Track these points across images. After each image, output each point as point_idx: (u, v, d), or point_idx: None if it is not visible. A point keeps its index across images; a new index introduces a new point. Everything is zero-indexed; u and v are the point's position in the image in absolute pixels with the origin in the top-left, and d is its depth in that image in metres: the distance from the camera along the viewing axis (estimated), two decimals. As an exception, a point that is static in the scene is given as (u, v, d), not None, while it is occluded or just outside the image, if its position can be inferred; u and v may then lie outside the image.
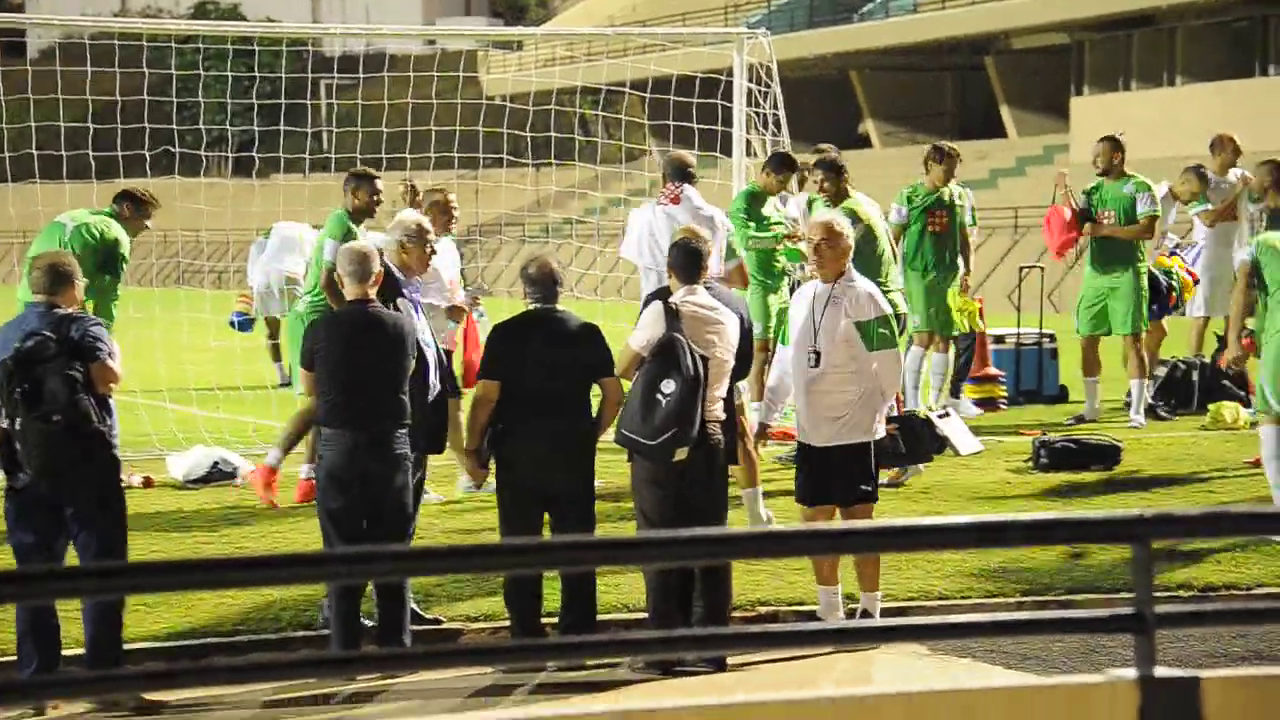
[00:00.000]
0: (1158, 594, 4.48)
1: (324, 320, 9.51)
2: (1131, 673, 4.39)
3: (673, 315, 9.17)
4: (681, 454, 9.08)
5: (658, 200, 12.31)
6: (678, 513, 9.11)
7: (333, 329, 9.33)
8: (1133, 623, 4.35)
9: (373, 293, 9.28)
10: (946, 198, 14.92)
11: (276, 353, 19.87)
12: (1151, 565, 4.51)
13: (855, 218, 13.01)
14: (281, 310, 19.58)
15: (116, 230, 12.68)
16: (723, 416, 9.38)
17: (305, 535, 11.16)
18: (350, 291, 9.31)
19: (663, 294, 9.80)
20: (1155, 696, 4.28)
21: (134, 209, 12.88)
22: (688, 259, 9.42)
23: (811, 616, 9.62)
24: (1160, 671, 4.37)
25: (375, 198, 12.42)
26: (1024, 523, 4.72)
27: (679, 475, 9.16)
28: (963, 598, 10.00)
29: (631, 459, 9.34)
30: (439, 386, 9.71)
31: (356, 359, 9.17)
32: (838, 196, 13.37)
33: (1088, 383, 15.46)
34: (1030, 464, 13.44)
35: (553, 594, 9.55)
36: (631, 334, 9.40)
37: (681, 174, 12.27)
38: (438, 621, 9.75)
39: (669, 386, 9.02)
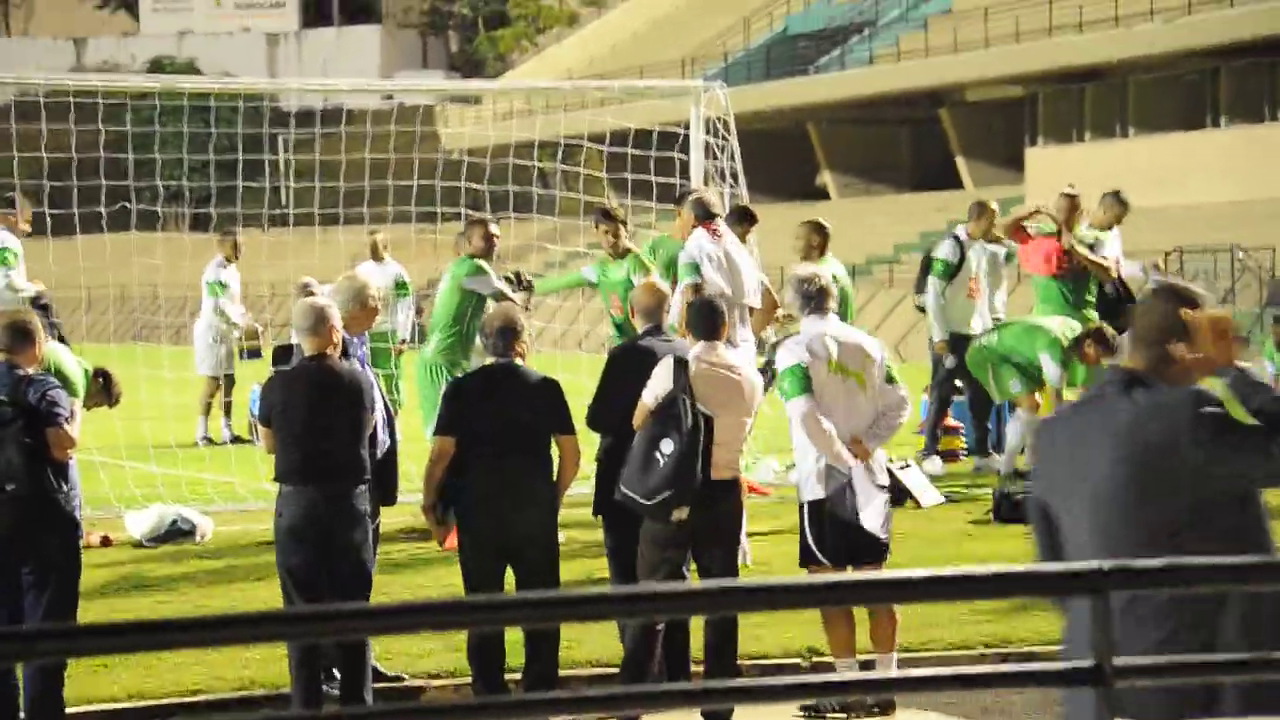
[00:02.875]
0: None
1: (281, 376, 9.45)
2: (1093, 725, 4.39)
3: (681, 372, 9.02)
4: (680, 514, 8.94)
5: (713, 235, 12.20)
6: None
7: (290, 385, 9.28)
8: (1092, 675, 4.36)
9: (332, 350, 9.25)
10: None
11: (228, 409, 19.82)
12: (1110, 617, 4.51)
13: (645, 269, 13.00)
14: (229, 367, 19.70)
15: None
16: (739, 474, 9.27)
17: (267, 592, 11.10)
18: (308, 347, 9.28)
19: (631, 349, 9.78)
20: (1117, 749, 4.29)
21: None
22: (709, 317, 9.28)
23: (785, 671, 9.57)
24: (1121, 724, 4.38)
25: (491, 240, 13.23)
26: (981, 575, 4.73)
27: (684, 538, 9.05)
28: (925, 650, 10.00)
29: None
30: (388, 441, 9.68)
31: (315, 415, 9.11)
32: (615, 249, 13.34)
33: None
34: (990, 516, 13.48)
35: (516, 650, 9.51)
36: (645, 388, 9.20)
37: (709, 213, 12.26)
38: (399, 679, 9.70)
39: (668, 446, 8.86)
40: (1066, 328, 14.82)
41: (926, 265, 16.08)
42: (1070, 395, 15.24)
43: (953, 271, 15.80)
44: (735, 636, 9.18)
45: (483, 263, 13.21)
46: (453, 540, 9.73)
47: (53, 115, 17.16)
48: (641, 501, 8.93)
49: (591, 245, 15.97)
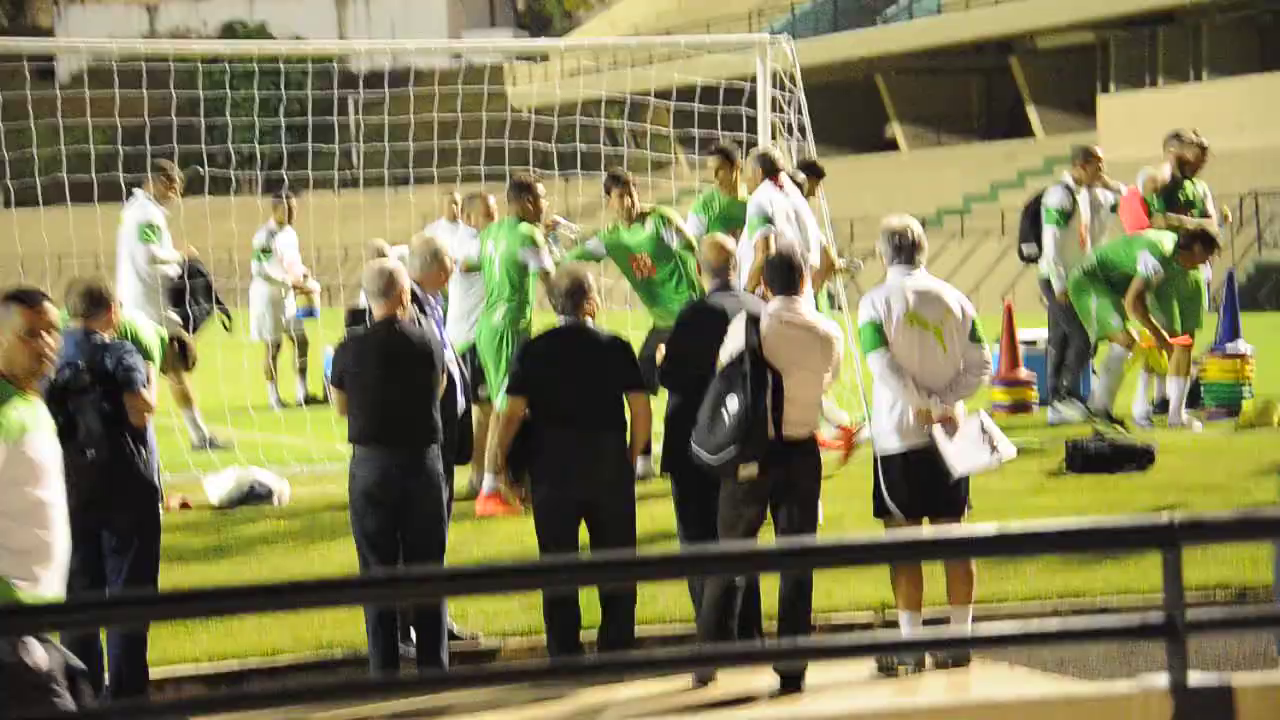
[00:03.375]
0: (1192, 597, 4.49)
1: (352, 340, 9.53)
2: (1165, 680, 4.41)
3: (752, 329, 9.02)
4: (749, 471, 8.95)
5: (779, 189, 12.47)
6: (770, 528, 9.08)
7: (362, 348, 9.35)
8: (1164, 631, 4.37)
9: (401, 311, 9.31)
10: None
11: (303, 371, 19.96)
12: (1181, 571, 4.52)
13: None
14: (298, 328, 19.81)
15: None
16: (815, 431, 9.22)
17: (343, 555, 11.21)
18: (378, 310, 9.34)
19: (700, 307, 9.78)
20: (1188, 704, 4.30)
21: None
22: (787, 271, 9.27)
23: (857, 627, 9.56)
24: (1194, 679, 4.39)
25: (537, 202, 12.86)
26: (1052, 532, 4.74)
27: (760, 496, 9.06)
28: (999, 602, 10.00)
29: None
30: (463, 402, 9.72)
31: (385, 378, 9.18)
32: (630, 212, 13.30)
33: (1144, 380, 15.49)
34: (1065, 466, 13.44)
35: (592, 609, 9.56)
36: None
37: (774, 167, 12.52)
38: (475, 639, 9.78)
39: (733, 403, 8.89)
40: (1168, 238, 14.96)
41: (1035, 216, 15.91)
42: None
43: (1067, 218, 15.66)
44: (809, 594, 9.19)
45: (536, 232, 12.79)
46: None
47: (125, 82, 17.29)
48: (708, 458, 8.96)
49: (660, 201, 15.95)
